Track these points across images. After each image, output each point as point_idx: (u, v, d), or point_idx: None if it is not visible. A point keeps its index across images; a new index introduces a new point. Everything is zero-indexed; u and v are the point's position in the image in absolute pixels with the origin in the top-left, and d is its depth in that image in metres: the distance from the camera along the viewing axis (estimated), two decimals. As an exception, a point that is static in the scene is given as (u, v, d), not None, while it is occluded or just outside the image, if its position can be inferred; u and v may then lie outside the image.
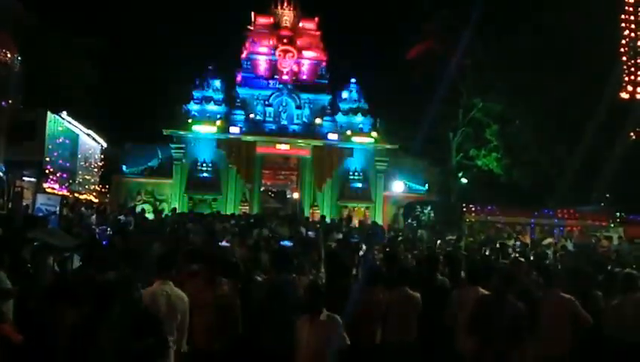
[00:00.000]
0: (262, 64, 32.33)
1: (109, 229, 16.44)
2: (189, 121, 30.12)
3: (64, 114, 23.62)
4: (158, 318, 5.73)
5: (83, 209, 21.85)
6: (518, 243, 19.18)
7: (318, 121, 31.47)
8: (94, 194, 29.30)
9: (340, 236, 16.48)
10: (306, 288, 6.32)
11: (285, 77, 31.79)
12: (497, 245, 16.04)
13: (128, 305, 5.36)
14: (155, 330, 5.50)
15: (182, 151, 30.36)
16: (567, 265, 10.65)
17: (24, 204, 19.68)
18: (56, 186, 22.56)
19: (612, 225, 26.90)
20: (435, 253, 11.94)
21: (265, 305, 7.33)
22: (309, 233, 15.54)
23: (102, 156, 30.75)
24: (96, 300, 5.18)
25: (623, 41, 27.89)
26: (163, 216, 23.51)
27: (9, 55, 12.43)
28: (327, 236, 16.21)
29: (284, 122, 31.27)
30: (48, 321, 4.35)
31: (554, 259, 13.06)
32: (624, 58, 28.26)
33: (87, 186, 28.06)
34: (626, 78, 27.93)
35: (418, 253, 12.96)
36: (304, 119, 31.43)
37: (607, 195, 32.40)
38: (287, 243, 11.62)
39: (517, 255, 11.65)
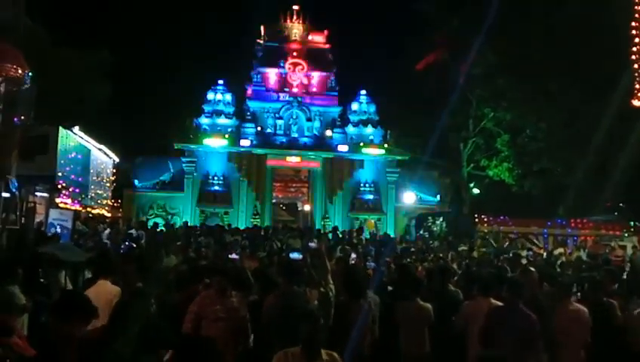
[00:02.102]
0: (272, 77, 32.47)
1: (132, 244, 16.50)
2: (200, 134, 30.27)
3: (76, 129, 23.77)
4: (172, 332, 5.72)
5: (101, 226, 21.93)
6: (530, 253, 19.04)
7: (328, 133, 31.54)
8: (106, 208, 29.40)
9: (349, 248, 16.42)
10: (303, 318, 5.48)
11: (295, 90, 31.93)
12: (510, 255, 15.93)
13: (142, 319, 5.36)
14: (169, 344, 5.48)
15: (193, 164, 30.52)
16: (579, 275, 10.55)
17: (37, 220, 19.78)
18: (69, 201, 22.66)
19: (626, 234, 26.65)
20: (447, 265, 11.87)
21: (277, 319, 7.28)
22: (310, 244, 15.43)
23: (114, 170, 30.89)
24: (110, 314, 5.19)
25: (634, 48, 27.75)
26: (174, 229, 23.55)
27: (20, 71, 12.54)
28: (336, 247, 16.14)
29: (295, 135, 31.37)
30: (58, 335, 4.35)
31: (562, 268, 12.93)
32: (635, 65, 28.11)
33: (99, 201, 28.18)
34: (637, 86, 27.75)
35: (430, 265, 12.89)
36: (314, 131, 31.51)
37: (621, 204, 32.16)
38: (296, 255, 11.59)
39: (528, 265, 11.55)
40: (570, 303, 7.38)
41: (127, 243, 16.97)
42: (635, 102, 26.65)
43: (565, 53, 30.46)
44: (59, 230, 15.78)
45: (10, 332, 4.57)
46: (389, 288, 9.29)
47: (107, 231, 20.44)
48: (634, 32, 27.17)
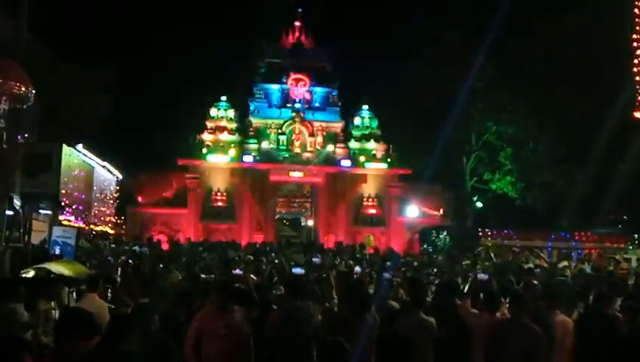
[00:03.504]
0: (274, 93, 32.60)
1: (124, 258, 16.50)
2: (203, 150, 30.33)
3: (79, 146, 23.87)
4: (175, 350, 5.71)
5: (102, 243, 21.95)
6: (538, 270, 18.93)
7: (331, 147, 31.57)
8: (110, 225, 29.43)
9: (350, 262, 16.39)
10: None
11: (298, 105, 31.99)
12: (514, 269, 15.86)
13: (144, 336, 5.36)
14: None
15: (196, 180, 30.53)
16: (582, 288, 10.51)
17: (41, 238, 19.76)
18: (72, 218, 22.70)
19: (630, 247, 26.59)
20: (453, 279, 11.79)
21: (280, 334, 7.25)
22: (314, 259, 15.37)
23: (117, 187, 30.95)
24: (111, 331, 5.17)
25: (635, 61, 27.81)
26: (178, 245, 23.56)
27: (23, 89, 12.59)
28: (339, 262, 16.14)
29: (298, 150, 31.40)
30: (62, 352, 4.35)
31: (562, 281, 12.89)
32: (637, 78, 28.16)
33: (102, 218, 28.20)
34: (639, 97, 27.78)
35: (434, 279, 12.83)
36: (317, 146, 31.55)
37: (625, 217, 32.11)
38: (299, 270, 11.55)
39: (532, 278, 11.50)
40: (557, 314, 7.43)
41: (123, 257, 16.97)
42: (637, 114, 26.68)
43: (566, 67, 30.55)
44: (57, 252, 15.66)
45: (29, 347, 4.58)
46: (393, 303, 9.21)
47: (108, 245, 20.50)
48: (635, 44, 27.26)
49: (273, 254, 18.61)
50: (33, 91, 13.13)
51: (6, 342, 4.40)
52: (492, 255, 22.83)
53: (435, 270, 15.77)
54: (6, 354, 4.09)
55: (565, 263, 21.00)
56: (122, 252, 19.27)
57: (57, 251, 15.30)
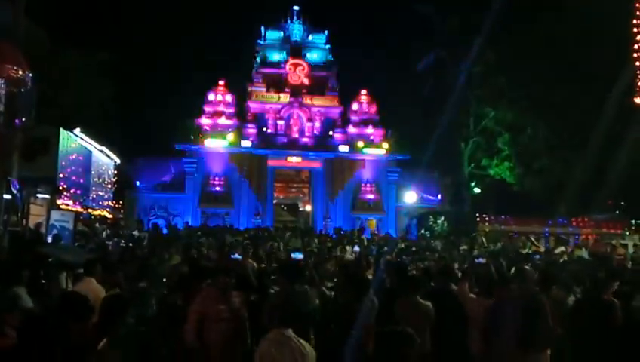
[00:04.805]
0: (272, 77, 32.48)
1: (122, 242, 16.55)
2: (201, 135, 30.29)
3: (77, 130, 23.77)
4: (170, 335, 5.73)
5: (99, 227, 21.97)
6: (537, 256, 18.97)
7: (329, 133, 31.55)
8: (108, 210, 29.38)
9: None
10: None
11: (296, 90, 31.90)
12: (511, 255, 15.94)
13: (138, 320, 5.37)
14: (162, 347, 5.48)
15: (194, 165, 30.54)
16: (578, 272, 10.54)
17: (38, 221, 19.77)
18: (70, 203, 22.64)
19: (627, 233, 26.66)
20: (449, 264, 11.82)
21: (277, 318, 7.25)
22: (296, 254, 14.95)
23: (115, 172, 30.89)
24: (104, 314, 5.18)
25: (635, 46, 27.72)
26: (176, 230, 23.58)
27: (21, 72, 12.54)
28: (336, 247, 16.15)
29: (296, 135, 31.38)
30: (56, 336, 4.37)
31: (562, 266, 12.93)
32: (637, 63, 28.08)
33: (100, 202, 28.16)
34: (639, 83, 27.71)
35: (429, 264, 12.85)
36: (315, 131, 31.53)
37: (622, 203, 32.15)
38: (298, 255, 11.60)
39: (529, 264, 11.54)
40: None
41: (115, 239, 17.04)
42: (637, 100, 26.63)
43: (565, 53, 30.44)
44: (50, 239, 15.65)
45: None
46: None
47: (106, 232, 20.51)
48: (635, 30, 27.17)
49: (271, 240, 18.65)
50: (30, 75, 13.09)
51: None
52: (484, 240, 22.92)
53: (428, 253, 15.86)
54: None
55: (562, 248, 21.05)
56: (120, 236, 19.31)
57: (50, 238, 15.24)
